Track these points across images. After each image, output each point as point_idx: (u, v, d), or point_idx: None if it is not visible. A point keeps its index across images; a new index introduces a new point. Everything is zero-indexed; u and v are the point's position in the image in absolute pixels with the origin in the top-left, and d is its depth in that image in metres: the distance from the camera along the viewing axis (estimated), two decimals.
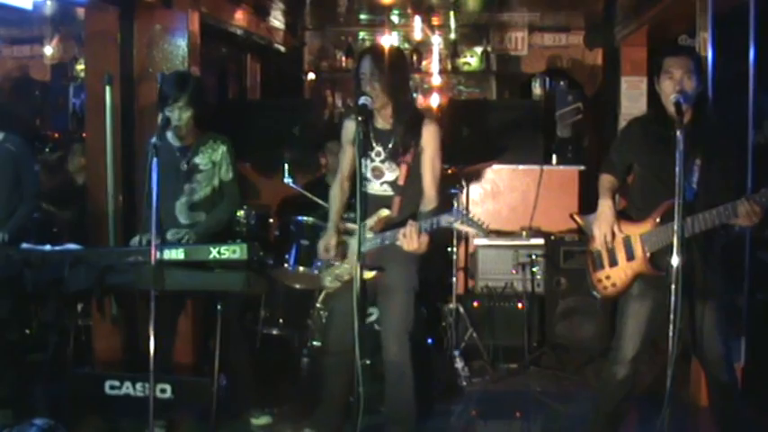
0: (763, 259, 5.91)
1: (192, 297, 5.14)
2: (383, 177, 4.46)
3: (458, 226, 4.15)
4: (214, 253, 4.27)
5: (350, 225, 4.58)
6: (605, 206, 4.16)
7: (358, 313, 4.02)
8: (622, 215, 4.16)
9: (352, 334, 4.00)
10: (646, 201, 4.10)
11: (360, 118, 4.13)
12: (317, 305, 5.97)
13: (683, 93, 3.86)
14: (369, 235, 4.34)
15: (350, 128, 4.55)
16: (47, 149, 8.74)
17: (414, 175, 4.45)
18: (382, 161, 4.44)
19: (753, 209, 3.71)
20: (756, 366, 5.41)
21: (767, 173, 5.23)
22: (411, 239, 4.16)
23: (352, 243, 4.48)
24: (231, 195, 5.10)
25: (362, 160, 4.33)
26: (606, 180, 4.24)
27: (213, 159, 5.01)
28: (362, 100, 4.23)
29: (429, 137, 4.42)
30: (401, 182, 4.45)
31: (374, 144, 4.45)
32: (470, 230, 4.19)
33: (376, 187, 4.49)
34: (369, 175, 4.45)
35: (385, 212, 4.40)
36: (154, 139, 4.27)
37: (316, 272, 4.80)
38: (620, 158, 4.28)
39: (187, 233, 4.82)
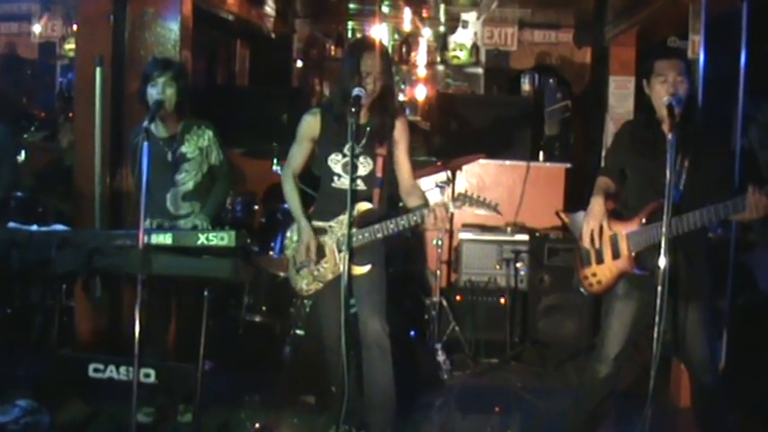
0: (745, 262, 5.95)
1: (178, 283, 5.11)
2: (356, 172, 4.41)
3: (467, 208, 4.30)
4: (202, 239, 4.22)
5: (318, 224, 4.53)
6: (595, 203, 4.17)
7: (345, 306, 4.12)
8: (613, 214, 4.18)
9: (346, 327, 4.10)
10: (635, 201, 4.12)
11: (353, 109, 4.12)
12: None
13: (677, 96, 3.86)
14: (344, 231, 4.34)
15: (310, 123, 4.54)
16: (32, 128, 8.70)
17: (388, 166, 4.50)
18: (356, 156, 4.39)
19: (762, 200, 3.65)
20: (736, 368, 5.45)
21: (753, 177, 5.25)
22: (442, 219, 4.21)
23: (329, 242, 4.50)
24: (225, 175, 5.09)
25: (334, 155, 4.43)
26: (602, 181, 4.26)
27: (200, 146, 4.96)
28: (357, 91, 4.21)
29: (403, 128, 4.52)
30: (379, 173, 4.47)
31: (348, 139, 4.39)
32: (480, 211, 4.34)
33: (348, 183, 4.35)
34: (340, 170, 4.43)
35: (365, 206, 4.41)
36: (145, 123, 4.20)
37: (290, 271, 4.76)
38: (612, 162, 4.34)
39: (200, 218, 4.82)
